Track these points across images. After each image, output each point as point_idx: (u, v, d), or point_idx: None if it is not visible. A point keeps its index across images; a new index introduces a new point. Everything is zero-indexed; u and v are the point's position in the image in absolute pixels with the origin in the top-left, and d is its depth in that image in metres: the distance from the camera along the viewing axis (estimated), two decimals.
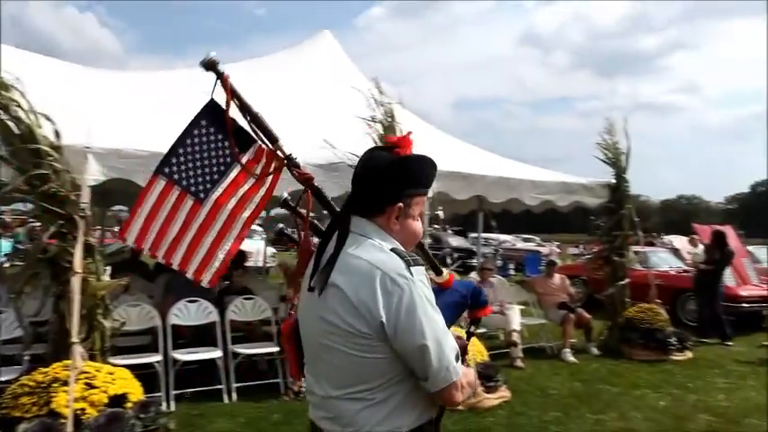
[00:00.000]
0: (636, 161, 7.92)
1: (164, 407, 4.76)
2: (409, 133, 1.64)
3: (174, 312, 5.44)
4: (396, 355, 1.42)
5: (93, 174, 4.48)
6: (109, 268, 4.86)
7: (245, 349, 5.60)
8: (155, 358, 5.12)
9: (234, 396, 5.33)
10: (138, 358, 5.00)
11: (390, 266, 1.42)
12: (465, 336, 1.76)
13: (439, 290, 1.64)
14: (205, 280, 2.55)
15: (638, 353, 7.19)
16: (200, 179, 2.45)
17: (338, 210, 1.66)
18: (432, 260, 1.77)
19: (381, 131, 5.71)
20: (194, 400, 5.17)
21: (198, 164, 2.43)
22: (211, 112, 2.28)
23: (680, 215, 68.20)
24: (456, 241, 20.29)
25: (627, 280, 7.71)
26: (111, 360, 4.42)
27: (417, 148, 1.63)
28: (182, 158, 2.45)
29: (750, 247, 12.93)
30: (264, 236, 13.49)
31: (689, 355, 7.32)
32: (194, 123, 2.39)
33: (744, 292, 9.59)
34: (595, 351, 7.47)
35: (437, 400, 1.51)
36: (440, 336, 1.42)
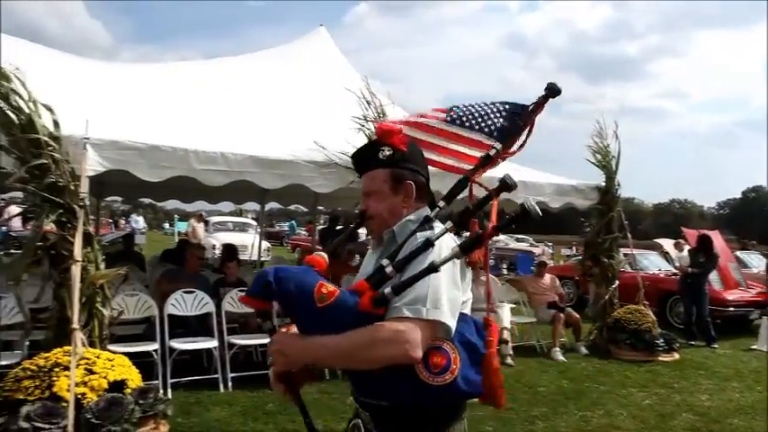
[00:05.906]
0: (626, 164, 8.01)
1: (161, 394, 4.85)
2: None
3: (171, 303, 5.54)
4: None
5: (92, 164, 4.51)
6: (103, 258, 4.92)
7: (240, 340, 5.71)
8: (152, 347, 5.21)
9: (230, 385, 5.42)
10: (136, 346, 5.10)
11: None
12: None
13: None
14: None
15: (626, 353, 7.32)
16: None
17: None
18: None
19: (374, 130, 5.81)
20: (190, 389, 5.26)
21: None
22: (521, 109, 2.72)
23: (673, 219, 68.33)
24: None
25: (616, 281, 7.83)
26: (110, 348, 4.51)
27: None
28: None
29: (739, 253, 13.11)
30: (258, 229, 13.60)
31: (675, 356, 7.46)
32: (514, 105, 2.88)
33: (730, 296, 9.75)
34: (584, 350, 7.60)
35: None
36: None
